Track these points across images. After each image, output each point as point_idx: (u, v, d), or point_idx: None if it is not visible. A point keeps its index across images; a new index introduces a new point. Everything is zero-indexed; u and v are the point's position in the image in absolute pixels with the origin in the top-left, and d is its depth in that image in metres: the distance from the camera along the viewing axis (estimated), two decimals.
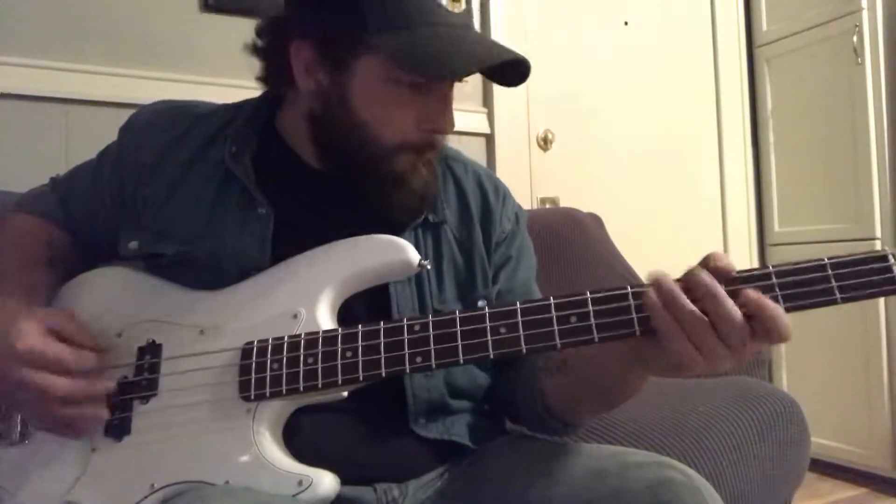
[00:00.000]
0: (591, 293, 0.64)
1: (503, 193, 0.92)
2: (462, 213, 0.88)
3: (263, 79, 0.84)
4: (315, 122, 0.80)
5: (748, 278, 0.61)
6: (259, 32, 0.82)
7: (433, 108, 0.77)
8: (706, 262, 0.62)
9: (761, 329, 0.58)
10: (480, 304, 0.84)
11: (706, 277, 0.59)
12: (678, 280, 0.61)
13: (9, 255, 0.84)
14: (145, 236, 0.81)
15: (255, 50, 0.83)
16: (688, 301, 0.59)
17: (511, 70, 0.76)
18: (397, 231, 0.81)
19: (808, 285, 0.60)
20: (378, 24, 0.72)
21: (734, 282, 0.60)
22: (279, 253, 0.77)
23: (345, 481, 0.68)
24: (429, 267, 0.76)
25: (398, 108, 0.76)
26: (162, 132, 0.85)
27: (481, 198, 0.90)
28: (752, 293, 0.59)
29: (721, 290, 0.59)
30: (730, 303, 0.58)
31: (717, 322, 0.58)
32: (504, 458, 0.79)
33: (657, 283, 0.61)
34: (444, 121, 0.78)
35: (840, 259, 0.60)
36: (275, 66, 0.82)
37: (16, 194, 1.08)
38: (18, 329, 0.67)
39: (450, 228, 0.86)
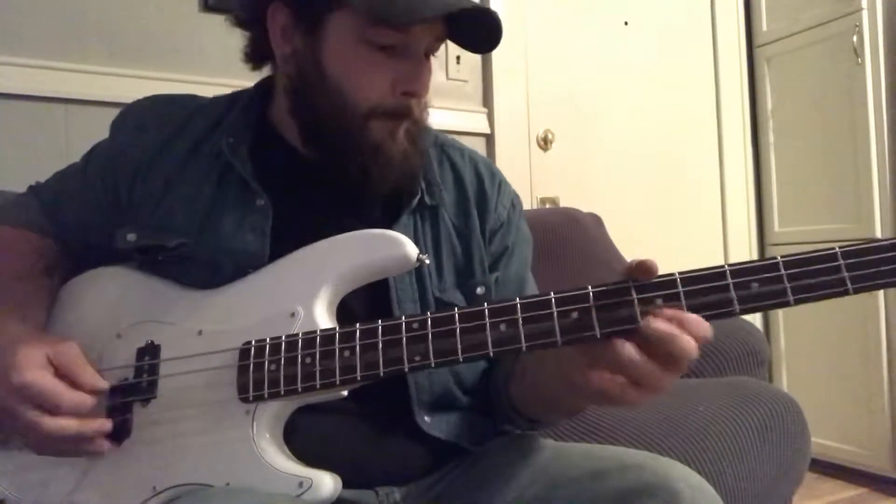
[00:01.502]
0: (592, 287, 0.62)
1: (499, 180, 0.91)
2: (459, 198, 0.87)
3: (247, 55, 0.83)
4: (292, 92, 0.79)
5: (755, 269, 0.60)
6: (240, 3, 0.82)
7: (406, 70, 0.76)
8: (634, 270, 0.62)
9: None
10: (479, 290, 0.84)
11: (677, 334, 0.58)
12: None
13: (1, 268, 0.80)
14: (144, 230, 0.80)
15: (237, 22, 0.82)
16: (644, 363, 0.58)
17: (484, 31, 0.76)
18: (394, 215, 0.81)
19: (818, 276, 0.58)
20: None
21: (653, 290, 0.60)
22: (277, 246, 0.77)
23: (346, 483, 0.68)
24: (427, 262, 0.76)
25: (371, 69, 0.75)
26: (157, 127, 0.83)
27: (477, 184, 0.89)
28: (685, 318, 0.58)
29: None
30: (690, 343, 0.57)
31: (672, 365, 0.58)
32: (504, 458, 0.79)
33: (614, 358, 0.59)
34: (417, 83, 0.77)
35: (851, 247, 0.58)
36: (255, 37, 0.81)
37: (15, 195, 1.07)
38: (17, 359, 0.65)
39: (447, 214, 0.86)
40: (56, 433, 0.65)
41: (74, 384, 0.67)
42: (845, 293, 0.57)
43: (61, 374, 0.67)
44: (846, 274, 0.57)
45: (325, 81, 0.76)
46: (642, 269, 0.61)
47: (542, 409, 0.81)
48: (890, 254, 0.57)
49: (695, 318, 0.58)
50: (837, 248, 0.58)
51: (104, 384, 0.70)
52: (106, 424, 0.69)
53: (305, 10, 0.75)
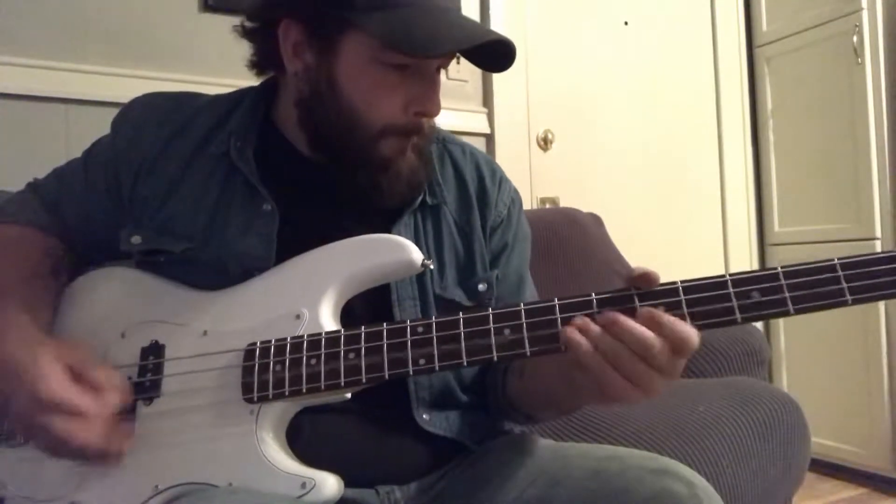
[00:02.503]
0: (595, 294, 0.63)
1: (500, 177, 0.92)
2: (461, 196, 0.88)
3: (254, 63, 0.83)
4: (303, 107, 0.79)
5: (756, 279, 0.60)
6: (249, 14, 0.81)
7: (420, 91, 0.76)
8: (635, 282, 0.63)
9: (678, 347, 0.59)
10: (481, 287, 0.84)
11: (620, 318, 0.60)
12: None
13: (5, 269, 0.78)
14: (148, 232, 0.79)
15: (245, 32, 0.82)
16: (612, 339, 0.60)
17: (497, 54, 0.76)
18: (396, 215, 0.82)
19: (817, 286, 0.59)
20: (366, 3, 0.72)
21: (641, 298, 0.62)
22: (283, 250, 0.77)
23: (347, 482, 0.68)
24: (431, 267, 0.76)
25: (384, 89, 0.75)
26: (159, 125, 0.83)
27: (478, 181, 0.89)
28: (664, 316, 0.60)
29: (636, 326, 0.59)
30: (647, 333, 0.59)
31: (643, 353, 0.59)
32: (504, 458, 0.79)
33: (582, 323, 0.62)
34: (431, 104, 0.77)
35: (850, 260, 0.59)
36: (264, 48, 0.81)
37: (16, 192, 1.07)
38: (40, 370, 0.65)
39: (449, 211, 0.86)
40: (90, 444, 0.64)
41: (95, 389, 0.66)
42: (844, 304, 0.59)
43: (81, 379, 0.66)
44: (845, 285, 0.59)
45: (337, 99, 0.75)
46: (644, 280, 0.62)
47: (539, 406, 0.82)
48: (889, 266, 0.58)
49: (636, 329, 0.59)
50: (837, 260, 0.59)
51: (128, 388, 0.69)
52: (132, 429, 0.69)
53: (319, 29, 0.75)
